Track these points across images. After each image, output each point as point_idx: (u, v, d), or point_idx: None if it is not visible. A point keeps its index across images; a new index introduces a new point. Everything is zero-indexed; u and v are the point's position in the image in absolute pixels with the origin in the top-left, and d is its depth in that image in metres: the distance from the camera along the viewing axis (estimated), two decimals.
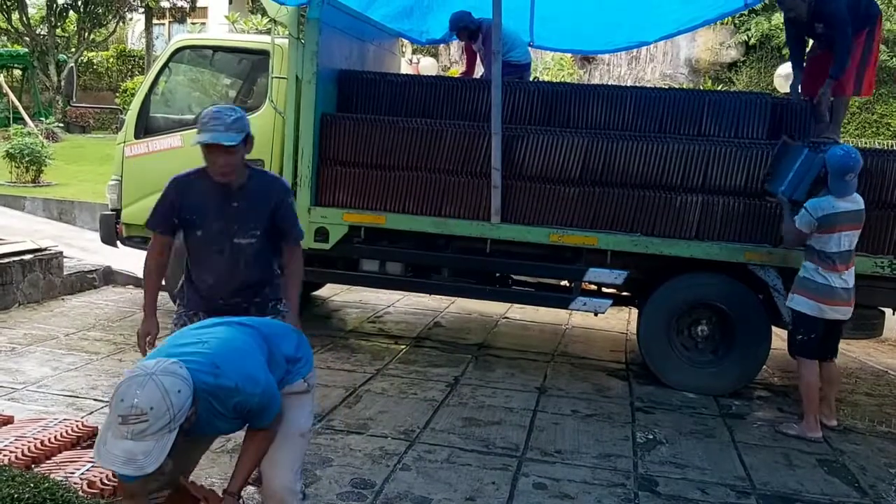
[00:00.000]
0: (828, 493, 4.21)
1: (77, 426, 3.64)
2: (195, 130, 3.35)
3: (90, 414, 4.50)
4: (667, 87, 14.97)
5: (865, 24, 5.73)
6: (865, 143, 14.41)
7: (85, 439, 3.56)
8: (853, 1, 5.72)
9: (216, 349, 2.59)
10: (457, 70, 13.75)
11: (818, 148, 5.28)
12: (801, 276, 5.01)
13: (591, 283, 6.11)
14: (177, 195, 3.41)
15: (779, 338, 5.94)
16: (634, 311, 6.66)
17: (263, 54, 6.55)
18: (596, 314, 6.25)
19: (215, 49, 7.14)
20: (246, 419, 2.68)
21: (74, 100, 8.94)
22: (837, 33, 5.59)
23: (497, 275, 6.43)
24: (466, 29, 7.06)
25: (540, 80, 13.76)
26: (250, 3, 22.02)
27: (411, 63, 16.38)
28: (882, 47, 15.10)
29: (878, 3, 14.54)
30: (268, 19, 13.73)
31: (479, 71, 7.93)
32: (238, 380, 2.53)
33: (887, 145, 13.98)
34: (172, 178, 3.46)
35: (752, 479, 4.31)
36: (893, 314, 5.88)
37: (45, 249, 7.48)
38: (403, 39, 8.99)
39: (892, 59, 15.27)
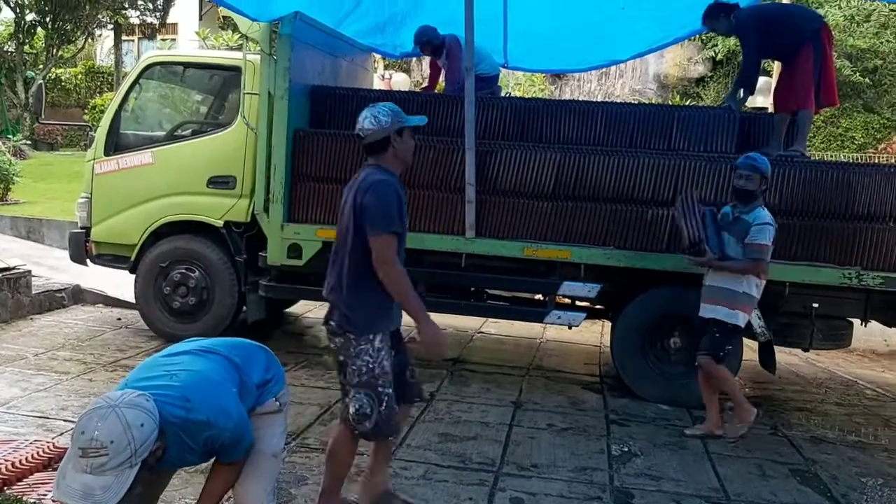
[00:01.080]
0: (801, 503, 4.25)
1: (48, 447, 3.58)
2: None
3: (61, 435, 4.42)
4: (636, 102, 15.17)
5: (804, 39, 5.89)
6: (831, 156, 14.68)
7: (56, 460, 3.50)
8: (782, 20, 6.04)
9: (186, 381, 2.57)
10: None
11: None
12: (741, 291, 4.92)
13: (565, 296, 6.13)
14: (399, 194, 3.28)
15: (750, 349, 6.01)
16: (608, 324, 6.70)
17: (235, 70, 6.53)
18: (570, 327, 6.29)
19: (186, 65, 7.12)
20: (216, 453, 2.64)
21: (43, 117, 8.84)
22: (742, 50, 6.13)
23: (472, 289, 6.44)
24: (430, 44, 7.08)
25: (512, 95, 13.86)
26: (221, 19, 21.97)
27: (384, 79, 16.44)
28: (845, 62, 15.42)
29: (841, 18, 14.70)
30: (239, 35, 13.71)
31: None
32: (210, 413, 2.51)
33: (852, 158, 14.24)
34: (383, 179, 3.31)
35: (727, 490, 4.33)
36: (861, 325, 5.97)
37: (13, 268, 7.36)
38: (376, 55, 9.02)
39: (855, 73, 15.59)
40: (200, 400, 2.51)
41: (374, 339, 3.27)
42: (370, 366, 3.25)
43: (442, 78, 7.53)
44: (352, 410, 3.28)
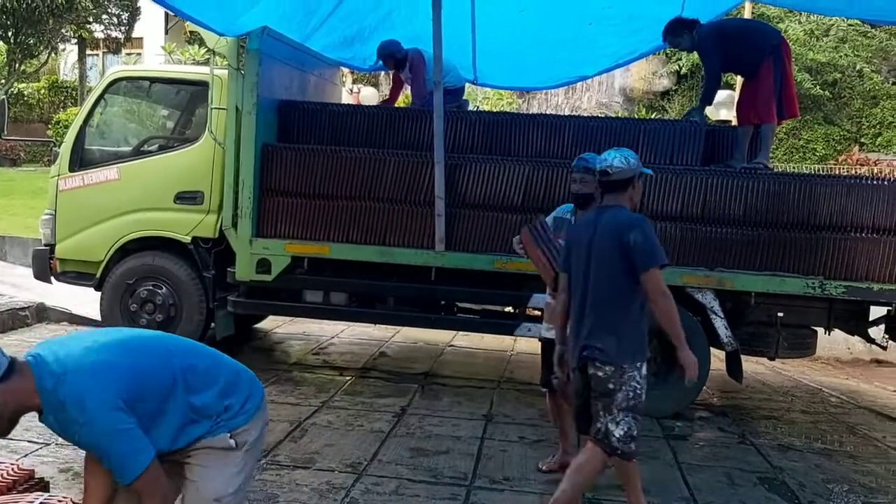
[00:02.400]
0: None
1: (13, 469, 3.49)
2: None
3: (25, 456, 4.33)
4: (603, 115, 15.33)
5: (764, 54, 6.01)
6: (793, 167, 14.94)
7: (21, 482, 3.41)
8: (742, 35, 6.22)
9: (83, 359, 2.32)
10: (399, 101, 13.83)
11: None
12: None
13: (535, 308, 6.16)
14: None
15: (717, 358, 6.08)
16: None
17: (202, 85, 6.49)
18: (540, 340, 6.29)
19: (153, 80, 7.07)
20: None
21: (5, 133, 8.72)
22: (704, 65, 6.22)
23: (442, 303, 6.45)
24: (392, 57, 7.08)
25: (480, 109, 13.93)
26: (187, 34, 21.84)
27: (352, 93, 16.43)
28: (805, 76, 15.73)
29: (801, 32, 14.99)
30: (205, 50, 13.64)
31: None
32: (68, 397, 2.26)
33: (813, 170, 14.51)
34: (639, 216, 3.62)
35: (696, 499, 4.37)
36: (825, 333, 6.07)
37: None
38: (344, 69, 9.01)
39: (815, 86, 15.90)
40: (74, 381, 2.26)
41: (641, 367, 3.57)
42: (637, 391, 3.54)
43: (408, 91, 7.54)
44: (620, 434, 3.54)
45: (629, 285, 3.51)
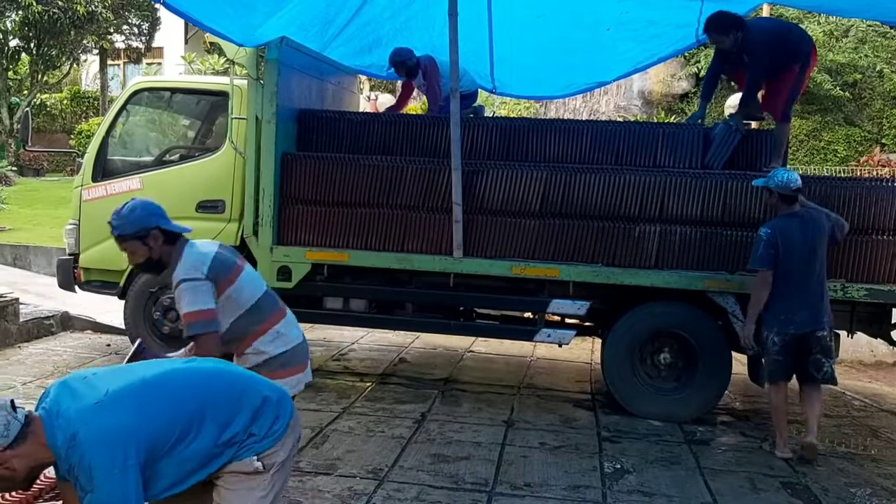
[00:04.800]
0: None
1: (39, 477, 3.55)
2: None
3: None
4: (621, 119, 15.28)
5: (797, 59, 5.99)
6: (814, 169, 14.81)
7: (47, 492, 3.48)
8: (783, 38, 6.03)
9: (98, 414, 2.24)
10: (415, 106, 13.87)
11: None
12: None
13: (554, 314, 6.16)
14: None
15: (738, 362, 6.05)
16: (598, 341, 6.73)
17: (222, 95, 6.56)
18: (560, 345, 6.30)
19: (174, 91, 7.15)
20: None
21: (30, 144, 8.83)
22: (751, 67, 5.94)
23: (461, 309, 6.46)
24: (404, 65, 7.06)
25: (498, 115, 13.93)
26: (207, 44, 22.00)
27: (369, 100, 16.49)
28: (825, 77, 15.61)
29: (821, 33, 14.92)
30: (225, 59, 13.75)
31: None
32: (78, 463, 2.20)
33: (834, 171, 14.38)
34: None
35: None
36: (848, 336, 6.03)
37: (1, 297, 7.32)
38: (361, 77, 9.05)
39: (835, 87, 15.76)
40: (84, 447, 2.20)
41: None
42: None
43: (421, 100, 7.56)
44: (832, 372, 5.07)
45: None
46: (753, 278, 5.37)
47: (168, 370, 2.53)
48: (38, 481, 3.45)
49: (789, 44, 6.01)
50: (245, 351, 3.34)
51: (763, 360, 5.25)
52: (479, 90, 8.07)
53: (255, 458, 2.49)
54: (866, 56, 16.27)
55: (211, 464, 2.43)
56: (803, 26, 15.77)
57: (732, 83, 6.47)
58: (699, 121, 6.32)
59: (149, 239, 3.23)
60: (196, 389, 2.48)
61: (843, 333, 6.00)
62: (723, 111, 15.37)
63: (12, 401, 2.28)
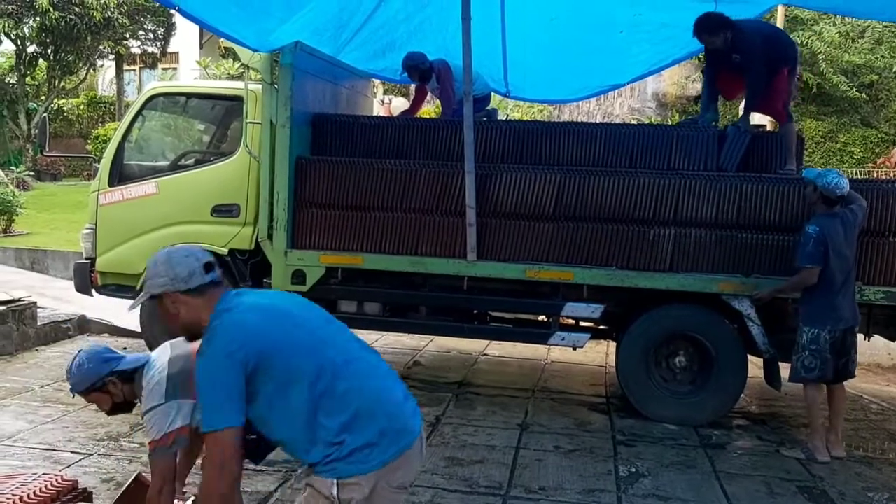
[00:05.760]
0: None
1: (56, 480, 3.58)
2: None
3: (68, 467, 4.43)
4: (636, 121, 15.24)
5: (786, 62, 6.05)
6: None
7: (65, 493, 3.50)
8: (773, 39, 6.11)
9: (251, 309, 2.38)
10: (428, 110, 13.89)
11: None
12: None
13: (568, 317, 6.15)
14: None
15: (755, 366, 6.01)
16: (613, 345, 6.71)
17: (237, 100, 6.59)
18: (574, 348, 6.29)
19: (189, 96, 7.21)
20: None
21: (47, 149, 8.90)
22: (751, 66, 5.94)
23: (475, 312, 6.46)
24: (417, 69, 7.05)
25: (511, 118, 13.91)
26: (221, 48, 22.15)
27: (383, 103, 16.51)
28: (841, 78, 15.53)
29: (836, 34, 14.82)
30: (239, 64, 13.83)
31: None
32: (210, 329, 2.34)
33: (851, 173, 14.28)
34: None
35: None
36: (865, 339, 5.98)
37: (19, 300, 7.39)
38: (375, 80, 9.07)
39: (851, 89, 15.66)
40: (224, 320, 2.33)
41: None
42: None
43: (435, 104, 7.56)
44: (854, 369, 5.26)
45: None
46: (770, 281, 5.34)
47: (329, 319, 2.56)
48: (54, 485, 3.48)
49: (779, 45, 6.09)
50: None
51: (799, 361, 5.17)
52: (493, 94, 8.06)
53: (334, 481, 2.23)
54: (883, 57, 16.14)
55: (306, 448, 2.29)
56: (817, 28, 15.75)
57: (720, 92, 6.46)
58: (713, 123, 6.30)
59: (107, 387, 3.26)
60: (335, 348, 2.41)
61: (860, 337, 5.95)
62: (737, 113, 15.33)
63: (209, 262, 2.52)
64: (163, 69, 25.54)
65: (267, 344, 2.28)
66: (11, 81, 22.94)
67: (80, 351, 3.33)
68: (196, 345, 2.45)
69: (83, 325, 8.18)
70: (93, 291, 7.02)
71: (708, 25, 5.98)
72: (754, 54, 5.92)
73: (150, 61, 25.13)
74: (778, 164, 5.98)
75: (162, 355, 3.29)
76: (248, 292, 2.59)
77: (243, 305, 2.39)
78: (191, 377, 2.93)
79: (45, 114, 18.46)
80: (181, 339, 3.13)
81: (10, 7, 19.46)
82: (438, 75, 7.04)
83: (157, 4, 20.82)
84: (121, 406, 3.35)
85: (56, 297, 9.08)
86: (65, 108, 25.05)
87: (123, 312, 7.94)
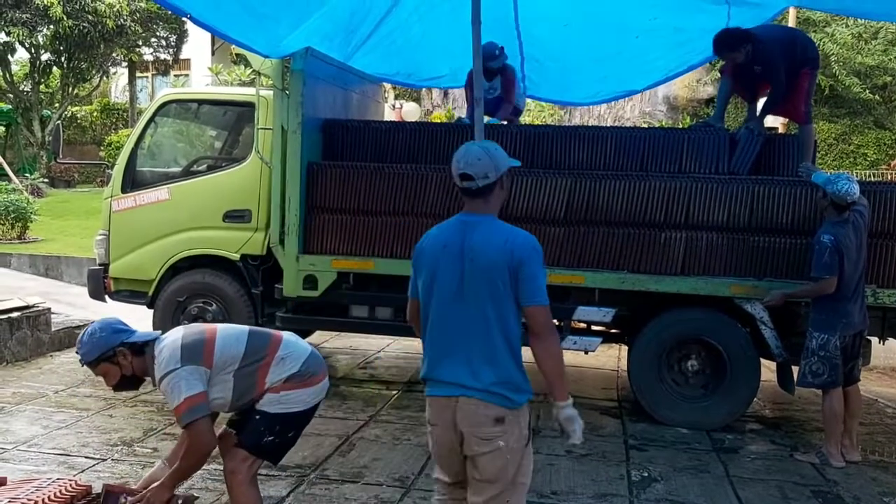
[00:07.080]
0: None
1: (71, 485, 3.60)
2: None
3: (82, 472, 4.46)
4: (646, 124, 15.21)
5: (805, 64, 6.02)
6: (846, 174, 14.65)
7: (79, 498, 3.52)
8: (791, 43, 6.07)
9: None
10: (439, 114, 13.90)
11: None
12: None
13: (580, 321, 6.14)
14: None
15: (768, 369, 5.98)
16: (625, 348, 6.69)
17: (248, 106, 6.62)
18: (586, 352, 6.27)
19: (201, 102, 7.25)
20: None
21: (61, 156, 8.98)
22: (772, 76, 5.94)
23: None
24: (493, 58, 6.73)
25: (521, 122, 13.88)
26: (233, 55, 22.27)
27: (394, 108, 16.57)
28: (854, 80, 15.45)
29: (849, 36, 14.75)
30: (251, 70, 13.90)
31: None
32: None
33: (864, 175, 14.20)
34: None
35: None
36: (880, 343, 5.94)
37: (33, 306, 7.44)
38: (386, 85, 9.09)
39: (865, 90, 15.58)
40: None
41: None
42: None
43: (446, 107, 7.56)
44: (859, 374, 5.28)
45: None
46: (783, 284, 5.32)
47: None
48: (68, 490, 3.50)
49: (797, 48, 6.05)
50: (263, 389, 3.33)
51: (807, 365, 5.14)
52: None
53: None
54: None
55: None
56: (830, 29, 15.68)
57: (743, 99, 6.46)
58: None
59: (117, 357, 3.27)
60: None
61: (874, 340, 5.91)
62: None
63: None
64: (175, 76, 25.72)
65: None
66: (26, 89, 23.14)
67: (91, 322, 3.37)
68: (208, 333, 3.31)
69: None
70: (106, 297, 7.06)
71: (728, 42, 5.97)
72: (774, 63, 5.90)
73: (162, 68, 25.33)
74: (793, 166, 5.97)
75: (175, 331, 3.36)
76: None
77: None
78: (205, 346, 3.19)
79: (58, 121, 18.63)
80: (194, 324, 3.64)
81: (24, 16, 19.63)
82: (506, 76, 6.89)
83: (170, 12, 20.96)
84: (129, 380, 3.35)
85: (70, 302, 9.14)
86: (78, 116, 25.23)
87: (136, 318, 7.98)
